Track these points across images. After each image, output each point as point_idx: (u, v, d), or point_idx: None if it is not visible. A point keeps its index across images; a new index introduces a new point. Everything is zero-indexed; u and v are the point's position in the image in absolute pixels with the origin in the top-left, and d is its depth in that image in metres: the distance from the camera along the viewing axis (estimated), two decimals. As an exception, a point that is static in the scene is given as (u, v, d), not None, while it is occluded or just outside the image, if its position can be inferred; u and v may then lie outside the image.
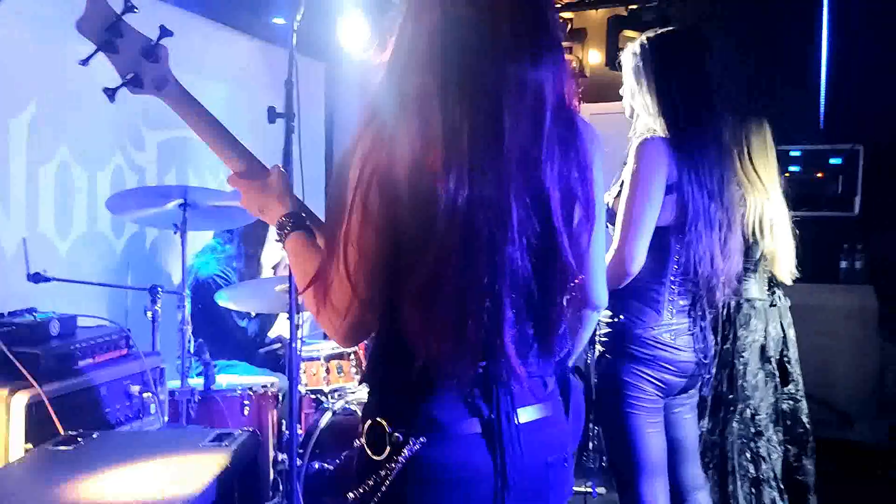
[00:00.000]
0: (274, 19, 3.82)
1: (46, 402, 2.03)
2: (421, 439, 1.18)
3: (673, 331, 2.21)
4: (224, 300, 3.15)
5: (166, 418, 2.67)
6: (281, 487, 3.00)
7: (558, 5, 4.92)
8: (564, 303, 1.25)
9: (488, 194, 1.14)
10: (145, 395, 2.49)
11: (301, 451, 2.98)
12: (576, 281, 1.26)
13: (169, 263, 3.70)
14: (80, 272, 3.02)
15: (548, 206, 1.20)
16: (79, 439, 1.78)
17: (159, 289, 2.77)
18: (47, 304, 2.52)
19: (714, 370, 2.54)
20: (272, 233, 3.75)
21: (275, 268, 3.77)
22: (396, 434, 1.20)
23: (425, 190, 1.13)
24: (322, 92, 5.21)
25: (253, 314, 3.67)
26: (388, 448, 1.20)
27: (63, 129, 3.15)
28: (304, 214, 1.43)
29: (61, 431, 1.92)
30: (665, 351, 2.20)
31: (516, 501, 1.20)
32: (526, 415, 1.25)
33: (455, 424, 1.19)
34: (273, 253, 3.70)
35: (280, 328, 3.72)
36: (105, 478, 1.53)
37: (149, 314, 2.75)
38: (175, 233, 2.79)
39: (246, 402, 2.90)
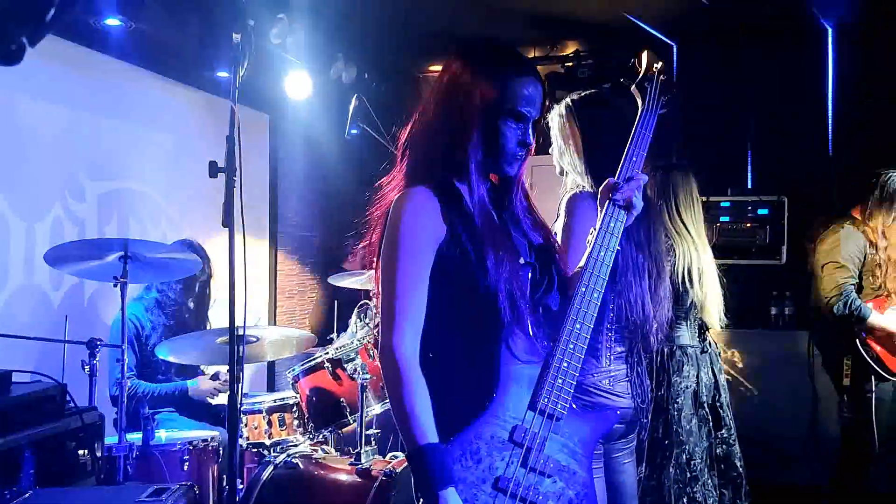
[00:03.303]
0: (219, 73, 3.84)
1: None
2: None
3: (611, 377, 2.27)
4: (164, 353, 3.11)
5: (103, 476, 2.61)
6: (222, 544, 2.95)
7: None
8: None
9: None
10: (81, 452, 2.44)
11: (242, 505, 2.94)
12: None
13: (108, 316, 3.65)
14: (15, 326, 2.96)
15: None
16: (11, 500, 1.74)
17: (98, 342, 2.73)
18: (-19, 359, 2.47)
19: (650, 416, 2.61)
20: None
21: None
22: None
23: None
24: (266, 143, 5.24)
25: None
26: None
27: (1, 178, 3.12)
28: None
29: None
30: (604, 397, 2.25)
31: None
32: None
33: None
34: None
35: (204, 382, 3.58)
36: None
37: (86, 368, 2.70)
38: (115, 285, 2.77)
39: (186, 456, 2.86)
